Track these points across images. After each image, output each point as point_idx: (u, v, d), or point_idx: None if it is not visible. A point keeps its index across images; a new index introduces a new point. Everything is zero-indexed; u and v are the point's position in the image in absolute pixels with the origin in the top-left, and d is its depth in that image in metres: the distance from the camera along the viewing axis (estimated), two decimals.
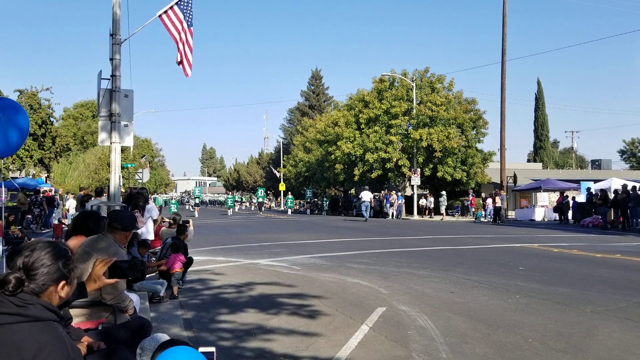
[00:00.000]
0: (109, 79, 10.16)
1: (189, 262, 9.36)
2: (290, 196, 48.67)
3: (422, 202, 37.38)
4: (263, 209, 51.23)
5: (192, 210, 48.30)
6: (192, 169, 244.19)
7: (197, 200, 47.46)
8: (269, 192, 76.23)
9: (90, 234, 4.48)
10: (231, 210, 45.94)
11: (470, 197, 36.02)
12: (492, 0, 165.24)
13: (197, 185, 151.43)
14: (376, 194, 41.34)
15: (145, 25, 10.94)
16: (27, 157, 32.98)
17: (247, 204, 72.55)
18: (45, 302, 2.12)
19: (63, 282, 2.24)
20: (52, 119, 35.80)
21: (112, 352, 2.95)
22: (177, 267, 8.32)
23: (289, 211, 46.27)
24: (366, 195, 31.42)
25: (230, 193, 56.77)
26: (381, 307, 7.12)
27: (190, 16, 10.68)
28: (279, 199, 67.46)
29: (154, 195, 47.35)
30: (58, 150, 35.28)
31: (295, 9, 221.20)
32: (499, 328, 6.03)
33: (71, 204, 24.38)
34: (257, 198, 51.71)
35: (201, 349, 2.32)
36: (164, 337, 3.42)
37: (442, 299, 7.70)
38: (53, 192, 26.50)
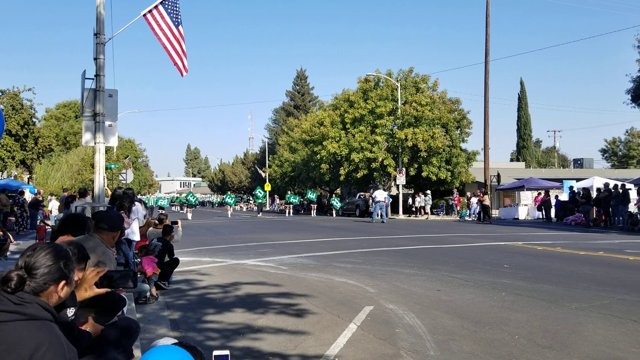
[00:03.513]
0: (93, 79, 10.07)
1: (174, 263, 9.32)
2: (292, 195, 44.69)
3: (416, 200, 36.65)
4: (262, 211, 46.26)
5: (183, 212, 45.86)
6: (176, 169, 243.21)
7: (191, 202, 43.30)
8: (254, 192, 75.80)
9: (77, 234, 4.44)
10: (230, 209, 42.64)
11: (456, 197, 36.21)
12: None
13: (182, 185, 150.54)
14: (362, 194, 41.41)
15: (129, 25, 10.88)
16: (9, 158, 32.55)
17: (243, 206, 70.77)
18: (42, 301, 2.15)
19: (63, 282, 2.29)
20: (34, 120, 35.38)
21: (102, 353, 2.94)
22: (151, 271, 8.18)
23: (290, 212, 43.20)
24: (380, 195, 29.60)
25: (229, 192, 53.28)
26: (369, 305, 7.14)
27: (178, 15, 10.62)
28: (265, 199, 66.93)
29: (145, 196, 45.18)
30: (40, 151, 34.86)
31: (279, 9, 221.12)
32: (485, 325, 6.08)
33: (54, 205, 24.10)
34: (257, 199, 46.83)
35: (215, 352, 2.32)
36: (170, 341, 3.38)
37: (429, 297, 7.74)
38: (39, 195, 26.12)
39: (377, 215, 28.91)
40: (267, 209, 59.96)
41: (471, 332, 5.81)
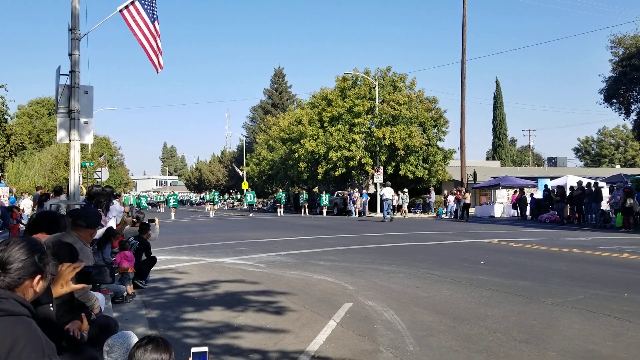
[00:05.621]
0: (68, 75, 9.89)
1: (152, 261, 9.23)
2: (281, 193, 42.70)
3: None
4: (252, 210, 44.20)
5: (158, 210, 44.05)
6: (153, 168, 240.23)
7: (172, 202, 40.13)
8: (232, 190, 75.42)
9: (51, 232, 4.36)
10: (212, 209, 40.42)
11: (436, 194, 36.41)
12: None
13: (158, 184, 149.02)
14: (340, 192, 41.43)
15: (105, 21, 10.71)
16: None
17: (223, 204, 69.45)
18: (18, 296, 2.10)
19: (38, 277, 2.23)
20: (6, 117, 34.69)
21: (80, 350, 2.89)
22: (127, 265, 8.04)
23: (280, 211, 40.31)
24: (388, 193, 28.54)
25: (211, 191, 51.79)
26: (348, 302, 7.17)
27: (154, 11, 10.50)
28: (242, 197, 66.47)
29: (124, 195, 43.72)
30: (13, 148, 34.24)
31: (257, 7, 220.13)
32: (463, 321, 6.15)
33: (26, 204, 23.64)
34: (247, 199, 43.82)
35: (194, 349, 2.31)
36: (130, 334, 3.37)
37: (407, 294, 7.79)
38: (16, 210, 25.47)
39: (387, 214, 28.12)
40: (244, 207, 59.50)
41: (449, 328, 5.87)
